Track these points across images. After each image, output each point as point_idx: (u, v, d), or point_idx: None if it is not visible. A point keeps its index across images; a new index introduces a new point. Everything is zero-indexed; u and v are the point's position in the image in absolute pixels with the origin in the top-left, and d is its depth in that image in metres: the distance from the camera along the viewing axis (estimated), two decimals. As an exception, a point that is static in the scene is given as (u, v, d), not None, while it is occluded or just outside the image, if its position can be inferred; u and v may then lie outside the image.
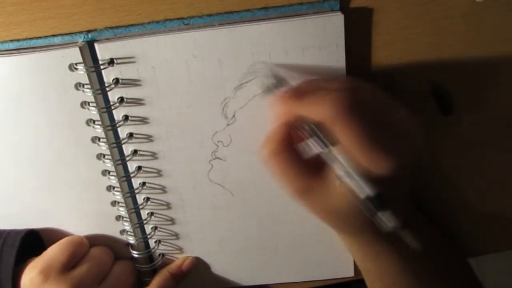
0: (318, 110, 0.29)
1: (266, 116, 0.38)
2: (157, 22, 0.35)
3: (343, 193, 0.31)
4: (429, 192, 0.43)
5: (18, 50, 0.35)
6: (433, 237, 0.41)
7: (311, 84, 0.33)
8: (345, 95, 0.29)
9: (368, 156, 0.29)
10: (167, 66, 0.36)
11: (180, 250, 0.44)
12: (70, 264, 0.39)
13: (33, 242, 0.41)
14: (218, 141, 0.39)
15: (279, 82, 0.33)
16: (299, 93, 0.31)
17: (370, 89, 0.32)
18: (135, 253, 0.43)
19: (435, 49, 0.37)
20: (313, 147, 0.31)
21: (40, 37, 0.35)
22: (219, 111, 0.38)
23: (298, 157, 0.32)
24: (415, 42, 0.37)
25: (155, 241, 0.43)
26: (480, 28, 0.37)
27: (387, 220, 0.29)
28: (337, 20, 0.35)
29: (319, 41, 0.35)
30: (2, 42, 0.35)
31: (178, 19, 0.35)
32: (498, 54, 0.38)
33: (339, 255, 0.43)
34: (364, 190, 0.29)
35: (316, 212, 0.34)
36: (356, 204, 0.30)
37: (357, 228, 0.34)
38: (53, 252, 0.39)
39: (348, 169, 0.29)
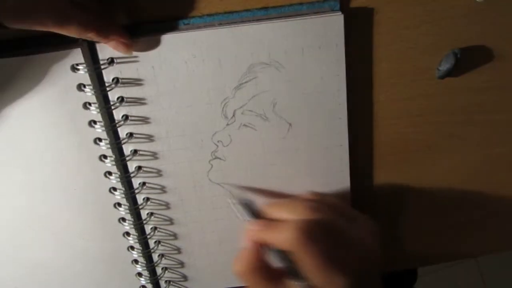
0: (279, 240, 0.34)
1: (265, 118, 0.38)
2: (157, 22, 0.35)
3: None
4: (425, 191, 0.43)
5: (20, 51, 0.35)
6: None
7: (275, 209, 0.38)
8: (301, 225, 0.33)
9: (322, 278, 0.33)
10: (167, 66, 0.36)
11: (180, 250, 0.44)
12: None
13: None
14: (218, 141, 0.39)
15: (247, 205, 0.39)
16: (264, 225, 0.36)
17: (330, 206, 0.37)
18: (134, 254, 0.43)
19: (435, 49, 0.37)
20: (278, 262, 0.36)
21: (40, 37, 0.35)
22: (219, 111, 0.38)
23: (267, 272, 0.36)
24: (415, 42, 0.37)
25: (155, 242, 0.43)
26: (480, 28, 0.37)
27: None
28: (337, 20, 0.35)
29: (319, 41, 0.35)
30: (1, 40, 0.35)
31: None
32: (498, 54, 0.38)
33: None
34: None
35: None
36: None
37: None
38: None
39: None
